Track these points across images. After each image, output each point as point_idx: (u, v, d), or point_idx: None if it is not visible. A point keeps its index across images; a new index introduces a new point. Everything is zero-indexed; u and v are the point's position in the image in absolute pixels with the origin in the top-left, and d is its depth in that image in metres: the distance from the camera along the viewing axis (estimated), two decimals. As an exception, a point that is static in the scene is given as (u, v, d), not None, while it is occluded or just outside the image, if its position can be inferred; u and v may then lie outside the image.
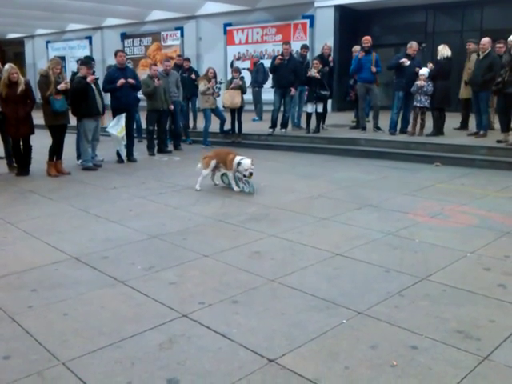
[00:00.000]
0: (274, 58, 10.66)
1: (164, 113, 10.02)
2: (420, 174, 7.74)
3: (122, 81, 8.73)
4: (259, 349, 2.87)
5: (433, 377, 2.59)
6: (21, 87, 7.52)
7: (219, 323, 3.17)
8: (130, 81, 8.89)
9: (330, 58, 10.99)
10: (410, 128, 9.97)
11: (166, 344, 2.95)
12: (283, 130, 11.03)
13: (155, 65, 10.34)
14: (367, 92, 10.43)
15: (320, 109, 10.53)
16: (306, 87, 10.77)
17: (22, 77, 7.76)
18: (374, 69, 10.09)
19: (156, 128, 10.12)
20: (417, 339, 2.95)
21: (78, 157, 9.00)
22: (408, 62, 9.60)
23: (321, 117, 10.78)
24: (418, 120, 9.73)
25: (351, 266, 4.08)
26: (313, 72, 10.20)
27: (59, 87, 7.67)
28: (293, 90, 10.58)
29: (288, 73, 10.47)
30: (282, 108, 10.90)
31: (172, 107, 10.15)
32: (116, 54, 9.02)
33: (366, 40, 10.21)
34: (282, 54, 10.55)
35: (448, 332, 3.03)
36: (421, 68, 9.55)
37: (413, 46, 9.91)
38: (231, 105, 10.59)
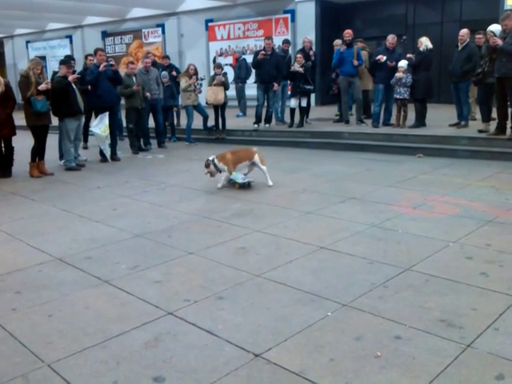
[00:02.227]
0: (257, 54, 10.63)
1: (143, 110, 9.94)
2: (403, 165, 7.80)
3: (104, 64, 8.68)
4: (245, 344, 2.88)
5: (416, 366, 2.62)
6: (0, 88, 7.42)
7: (205, 320, 3.17)
8: (112, 63, 8.94)
9: (311, 52, 10.99)
10: (393, 120, 10.01)
11: (151, 342, 2.95)
12: (267, 125, 11.03)
13: (132, 63, 10.24)
14: (349, 85, 10.46)
15: (304, 103, 10.54)
16: (289, 82, 10.78)
17: (1, 78, 7.65)
18: (355, 62, 10.13)
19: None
20: (401, 329, 2.98)
21: (61, 157, 8.92)
22: (384, 58, 9.65)
23: (304, 111, 10.80)
24: (401, 112, 9.78)
25: (336, 259, 4.10)
26: (296, 66, 10.18)
27: (40, 87, 7.59)
28: (276, 85, 10.58)
29: (271, 68, 10.46)
30: (265, 103, 10.90)
31: (148, 94, 10.03)
32: (95, 53, 8.95)
33: (348, 33, 10.23)
34: (265, 49, 10.54)
35: (431, 321, 3.06)
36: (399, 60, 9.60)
37: (389, 39, 9.96)
38: (214, 101, 10.57)
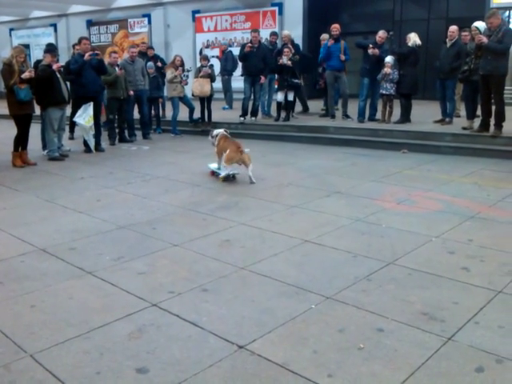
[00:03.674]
0: (243, 46, 10.58)
1: (125, 101, 9.85)
2: (387, 160, 7.86)
3: (89, 53, 8.60)
4: (229, 336, 2.89)
5: (398, 358, 2.66)
6: None
7: (189, 312, 3.17)
8: (98, 52, 8.85)
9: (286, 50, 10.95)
10: (379, 116, 10.07)
11: (135, 334, 2.94)
12: (253, 119, 11.02)
13: (115, 52, 10.14)
14: (336, 80, 10.48)
15: (291, 97, 10.54)
16: (276, 75, 10.77)
17: None
18: (342, 57, 10.15)
19: (117, 117, 9.98)
20: (383, 322, 3.01)
21: (44, 147, 8.81)
22: (377, 51, 9.66)
23: (291, 105, 10.79)
24: (387, 107, 9.84)
25: (320, 253, 4.13)
26: (284, 60, 10.16)
27: (23, 76, 7.47)
28: (262, 78, 10.55)
29: (257, 61, 10.43)
30: (252, 96, 10.88)
31: (132, 93, 9.95)
32: (80, 42, 8.83)
33: (335, 28, 10.25)
34: (251, 42, 10.51)
35: (413, 314, 3.10)
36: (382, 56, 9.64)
37: (379, 33, 10.00)
38: (201, 93, 10.53)
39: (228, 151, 6.46)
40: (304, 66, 11.18)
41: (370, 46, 9.83)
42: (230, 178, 6.67)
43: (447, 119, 9.38)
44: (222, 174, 6.64)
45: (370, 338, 2.84)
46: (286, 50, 10.34)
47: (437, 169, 7.22)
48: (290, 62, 10.13)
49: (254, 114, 11.01)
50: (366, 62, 9.95)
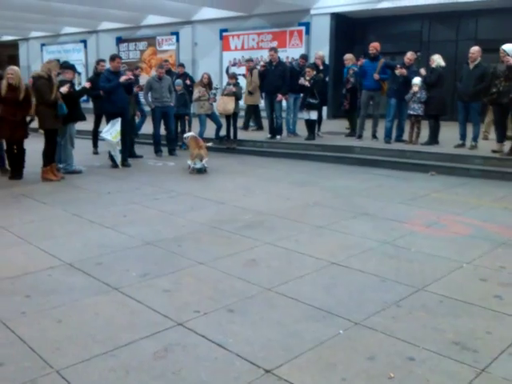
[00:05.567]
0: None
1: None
2: (415, 182, 7.75)
3: (128, 78, 8.78)
4: (255, 359, 2.84)
5: (430, 389, 2.58)
6: (22, 91, 7.45)
7: (215, 332, 3.14)
8: (130, 75, 9.07)
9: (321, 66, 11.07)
10: (406, 137, 9.98)
11: (160, 353, 2.91)
12: (278, 137, 11.04)
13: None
14: (370, 100, 10.38)
15: (313, 116, 10.56)
16: (302, 94, 10.82)
17: (23, 83, 7.63)
18: (376, 76, 10.06)
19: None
20: (414, 350, 2.93)
21: (59, 161, 8.91)
22: (404, 72, 9.60)
23: (313, 124, 10.78)
24: (414, 128, 9.76)
25: (347, 276, 4.06)
26: (302, 80, 10.28)
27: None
28: (279, 95, 10.62)
29: (275, 79, 10.57)
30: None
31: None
32: (113, 59, 8.96)
33: (372, 47, 10.21)
34: (270, 61, 10.66)
35: (445, 343, 3.01)
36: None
37: (407, 55, 9.95)
38: (224, 111, 10.63)
39: (191, 149, 8.41)
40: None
41: (398, 66, 9.79)
42: (202, 171, 8.37)
43: (473, 143, 9.13)
44: (196, 166, 8.35)
45: (400, 367, 2.77)
46: (307, 69, 10.43)
47: (466, 192, 7.09)
48: (307, 82, 10.22)
49: (278, 132, 11.06)
50: (394, 82, 9.89)
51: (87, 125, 10.50)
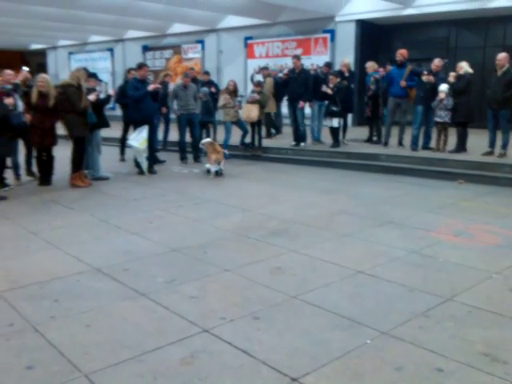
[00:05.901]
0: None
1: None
2: (442, 191, 7.64)
3: (153, 86, 8.88)
4: (282, 367, 2.83)
5: (460, 402, 2.53)
6: (52, 99, 7.62)
7: (241, 339, 3.14)
8: (158, 86, 9.17)
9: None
10: (433, 144, 9.86)
11: (187, 359, 2.93)
12: (302, 144, 11.04)
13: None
14: (397, 107, 10.32)
15: (335, 123, 10.54)
16: (326, 102, 10.82)
17: (53, 90, 7.79)
18: (403, 83, 9.98)
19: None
20: (443, 361, 2.89)
21: (86, 167, 9.08)
22: (432, 79, 9.51)
23: (337, 131, 10.74)
24: (441, 136, 9.64)
25: (374, 285, 4.02)
26: (324, 87, 10.36)
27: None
28: (301, 103, 10.65)
29: (297, 86, 10.65)
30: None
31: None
32: (141, 68, 9.07)
33: (399, 53, 10.16)
34: (294, 69, 10.76)
35: (474, 355, 2.96)
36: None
37: (435, 61, 9.85)
38: (248, 118, 10.68)
39: (209, 153, 8.81)
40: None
41: (425, 72, 9.70)
42: (218, 173, 8.77)
43: (501, 151, 8.96)
44: (214, 169, 8.69)
45: (428, 378, 2.73)
46: (331, 77, 10.48)
47: (495, 201, 6.96)
48: (329, 90, 10.29)
49: (301, 139, 11.08)
50: (420, 89, 9.80)
51: (114, 132, 10.69)
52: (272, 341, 3.14)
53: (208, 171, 8.97)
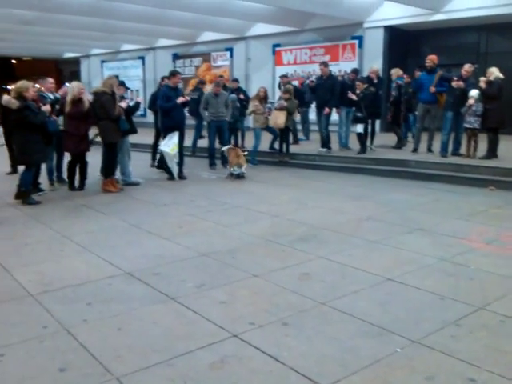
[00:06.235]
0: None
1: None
2: (473, 198, 7.52)
3: (183, 99, 9.02)
4: (311, 374, 2.83)
5: (494, 413, 2.49)
6: (86, 105, 7.82)
7: (270, 345, 3.15)
8: (187, 98, 9.31)
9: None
10: (463, 150, 9.72)
11: (217, 364, 2.95)
12: (324, 150, 11.07)
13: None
14: (426, 113, 10.22)
15: (359, 129, 10.52)
16: (353, 108, 10.81)
17: (88, 97, 8.02)
18: (432, 89, 9.89)
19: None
20: (475, 372, 2.84)
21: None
22: (462, 85, 9.38)
23: (363, 137, 10.68)
24: (471, 142, 9.49)
25: (404, 292, 3.98)
26: (350, 94, 10.40)
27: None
28: (326, 109, 10.70)
29: (324, 92, 10.74)
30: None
31: None
32: (174, 75, 9.22)
33: (429, 59, 10.08)
34: (321, 76, 10.87)
35: (508, 365, 2.90)
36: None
37: (465, 67, 9.71)
38: (274, 125, 10.72)
39: (231, 158, 9.33)
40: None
41: (455, 78, 9.58)
42: (240, 176, 9.21)
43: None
44: (235, 172, 9.16)
45: (460, 388, 2.69)
46: (357, 83, 10.50)
47: (528, 208, 6.82)
48: (354, 96, 10.32)
49: (323, 145, 11.12)
50: (450, 95, 9.68)
51: (144, 138, 10.86)
52: (301, 347, 3.14)
53: (230, 174, 9.34)
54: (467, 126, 9.40)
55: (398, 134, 11.56)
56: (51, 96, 8.35)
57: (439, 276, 4.32)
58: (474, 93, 9.22)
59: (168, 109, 8.98)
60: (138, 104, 9.00)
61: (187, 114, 11.45)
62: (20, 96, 6.97)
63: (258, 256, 4.92)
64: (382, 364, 2.93)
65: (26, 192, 7.28)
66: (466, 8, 13.00)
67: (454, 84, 9.48)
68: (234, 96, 11.21)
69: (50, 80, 8.80)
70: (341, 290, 4.02)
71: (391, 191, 8.11)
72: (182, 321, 3.52)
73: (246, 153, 9.67)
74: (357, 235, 5.58)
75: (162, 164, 9.79)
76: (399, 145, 11.40)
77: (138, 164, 10.31)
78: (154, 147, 10.65)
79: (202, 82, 13.67)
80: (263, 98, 10.92)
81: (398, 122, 11.50)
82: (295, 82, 15.66)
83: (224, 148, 9.78)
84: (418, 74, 11.12)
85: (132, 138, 9.07)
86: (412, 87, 10.93)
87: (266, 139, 11.19)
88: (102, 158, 9.17)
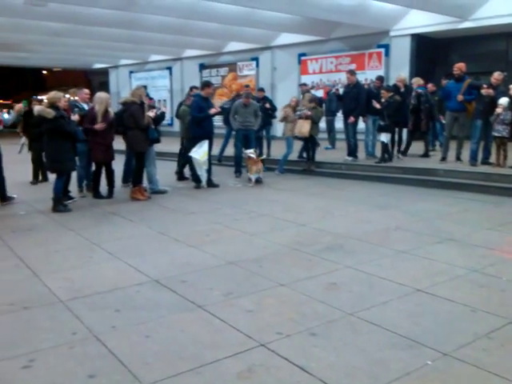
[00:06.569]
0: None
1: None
2: (504, 207, 7.37)
3: (215, 110, 9.18)
4: (339, 385, 2.80)
5: (529, 429, 2.42)
6: (112, 115, 7.97)
7: (297, 355, 3.13)
8: (218, 109, 9.55)
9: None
10: (493, 159, 9.55)
11: (244, 373, 2.94)
12: (350, 158, 11.03)
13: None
14: (455, 121, 10.11)
15: (383, 138, 10.47)
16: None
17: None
18: (460, 97, 9.76)
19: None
20: (508, 386, 2.77)
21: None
22: (491, 92, 9.23)
23: (386, 146, 10.58)
24: (501, 150, 9.32)
25: (434, 304, 3.91)
26: (374, 102, 10.39)
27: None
28: (351, 117, 10.68)
29: (349, 101, 10.78)
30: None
31: None
32: (207, 86, 9.38)
33: (457, 67, 9.97)
34: (348, 84, 10.92)
35: (543, 380, 2.82)
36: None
37: (494, 75, 9.56)
38: (299, 133, 10.72)
39: (250, 165, 9.78)
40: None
41: (484, 86, 9.44)
42: (258, 181, 9.67)
43: None
44: (253, 178, 9.62)
45: (494, 403, 2.62)
46: (383, 91, 10.49)
47: (561, 219, 6.64)
48: (378, 105, 10.31)
49: (350, 153, 11.12)
50: (480, 103, 9.53)
51: (170, 147, 10.95)
52: (329, 358, 3.11)
53: (249, 179, 9.73)
54: (496, 134, 9.25)
55: (408, 141, 11.53)
56: (85, 106, 8.51)
57: (470, 287, 4.24)
58: (503, 101, 9.07)
59: (200, 120, 9.10)
60: (163, 114, 9.10)
61: (221, 122, 11.65)
62: (53, 106, 7.14)
63: (284, 265, 4.90)
64: (413, 377, 2.88)
65: (58, 200, 7.41)
66: (494, 15, 12.82)
67: (484, 91, 9.34)
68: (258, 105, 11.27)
69: (86, 91, 8.98)
70: (369, 301, 3.97)
71: (419, 200, 8.00)
72: (210, 329, 3.53)
73: (264, 156, 10.36)
74: (384, 245, 5.52)
75: (182, 175, 10.23)
76: (426, 153, 11.30)
77: (166, 172, 10.42)
78: (185, 156, 10.74)
79: (239, 95, 13.74)
80: (294, 107, 10.98)
81: (420, 131, 11.39)
82: (320, 91, 15.69)
83: (247, 151, 9.97)
84: (444, 82, 11.02)
85: (158, 147, 9.18)
86: (439, 96, 10.83)
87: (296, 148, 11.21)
88: (124, 167, 9.34)
